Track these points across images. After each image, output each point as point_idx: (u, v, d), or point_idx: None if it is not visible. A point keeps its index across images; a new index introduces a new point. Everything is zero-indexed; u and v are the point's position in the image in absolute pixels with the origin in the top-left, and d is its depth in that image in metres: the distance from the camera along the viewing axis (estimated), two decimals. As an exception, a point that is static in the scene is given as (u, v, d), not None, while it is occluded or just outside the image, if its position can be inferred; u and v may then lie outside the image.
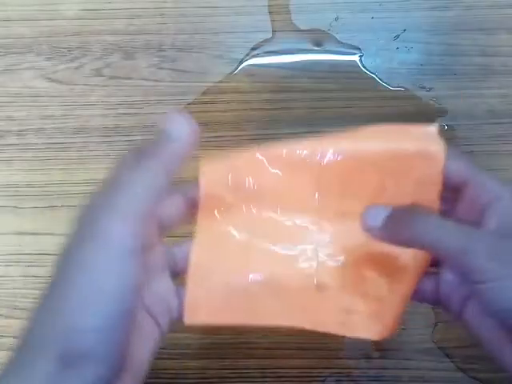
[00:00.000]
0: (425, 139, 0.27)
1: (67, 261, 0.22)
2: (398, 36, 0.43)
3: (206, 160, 0.28)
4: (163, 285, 0.27)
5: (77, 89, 0.43)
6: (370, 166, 0.27)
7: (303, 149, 0.28)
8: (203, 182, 0.27)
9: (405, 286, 0.27)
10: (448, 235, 0.24)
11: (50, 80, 0.44)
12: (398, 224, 0.25)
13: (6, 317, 0.41)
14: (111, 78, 0.44)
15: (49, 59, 0.44)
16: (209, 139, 0.42)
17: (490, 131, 0.42)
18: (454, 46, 0.43)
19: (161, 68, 0.44)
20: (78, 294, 0.21)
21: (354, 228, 0.26)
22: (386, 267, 0.28)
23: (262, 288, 0.27)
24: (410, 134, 0.28)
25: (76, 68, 0.44)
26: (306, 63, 0.43)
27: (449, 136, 0.42)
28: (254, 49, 0.43)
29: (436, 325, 0.40)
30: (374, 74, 0.43)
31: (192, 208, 0.28)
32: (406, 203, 0.26)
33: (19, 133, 0.43)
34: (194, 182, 0.28)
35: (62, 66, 0.44)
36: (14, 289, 0.41)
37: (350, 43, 0.43)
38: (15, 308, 0.41)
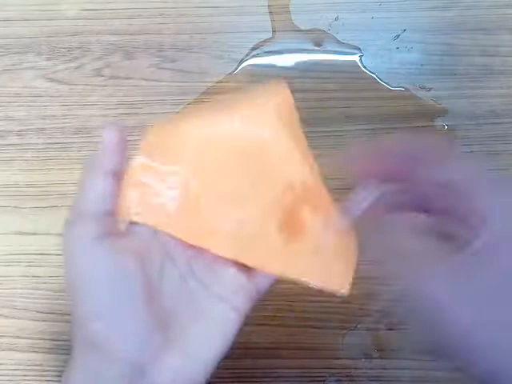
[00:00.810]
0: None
1: None
2: (398, 36, 0.43)
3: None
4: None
5: (77, 89, 0.43)
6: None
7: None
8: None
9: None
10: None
11: (50, 80, 0.44)
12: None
13: (6, 317, 0.40)
14: (111, 77, 0.44)
15: (49, 59, 0.44)
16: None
17: (490, 131, 0.42)
18: (454, 46, 0.43)
19: (161, 68, 0.44)
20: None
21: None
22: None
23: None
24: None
25: (76, 68, 0.44)
26: (306, 63, 0.43)
27: (449, 136, 0.42)
28: (253, 49, 0.43)
29: (436, 325, 0.40)
30: (374, 73, 0.43)
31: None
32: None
33: (19, 133, 0.43)
34: None
35: (62, 66, 0.44)
36: (13, 289, 0.41)
37: (350, 43, 0.43)
38: (15, 308, 0.41)
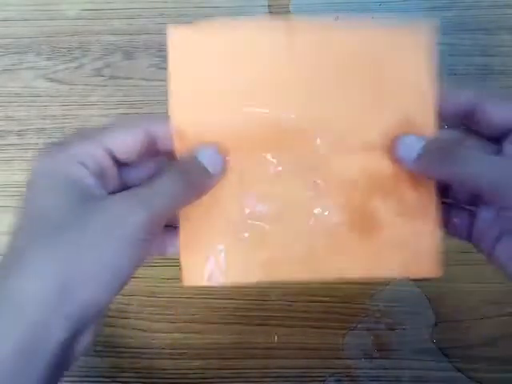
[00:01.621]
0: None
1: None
2: (398, 36, 0.43)
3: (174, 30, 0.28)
4: None
5: (77, 89, 0.43)
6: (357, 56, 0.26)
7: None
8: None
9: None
10: (490, 169, 0.23)
11: (50, 80, 0.44)
12: (435, 157, 0.24)
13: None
14: (111, 78, 0.44)
15: (49, 59, 0.44)
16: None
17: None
18: (454, 46, 0.43)
19: (161, 68, 0.44)
20: (85, 251, 0.22)
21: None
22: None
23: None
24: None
25: (76, 68, 0.44)
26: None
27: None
28: (254, 49, 0.43)
29: (436, 325, 0.40)
30: (374, 73, 0.43)
31: (151, 145, 0.27)
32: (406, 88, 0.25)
33: (19, 133, 0.43)
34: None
35: (62, 66, 0.44)
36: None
37: (350, 43, 0.43)
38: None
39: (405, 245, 0.26)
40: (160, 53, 0.44)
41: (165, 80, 0.43)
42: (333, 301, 0.40)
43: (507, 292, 0.40)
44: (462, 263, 0.40)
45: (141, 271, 0.42)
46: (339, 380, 0.40)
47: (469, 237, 0.28)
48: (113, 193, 0.24)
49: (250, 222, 0.26)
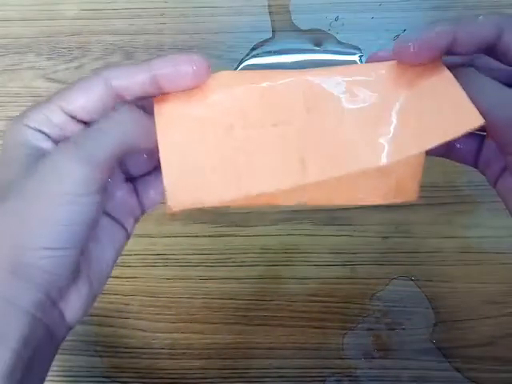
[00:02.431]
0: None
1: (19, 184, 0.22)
2: (398, 36, 0.43)
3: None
4: (121, 188, 0.27)
5: (77, 89, 0.43)
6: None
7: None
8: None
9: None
10: (505, 103, 0.22)
11: (50, 80, 0.44)
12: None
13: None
14: (111, 78, 0.43)
15: (49, 59, 0.44)
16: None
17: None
18: (454, 46, 0.43)
19: (161, 68, 0.44)
20: (28, 216, 0.21)
21: None
22: None
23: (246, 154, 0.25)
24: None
25: (76, 68, 0.44)
26: (306, 63, 0.43)
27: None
28: (253, 49, 0.43)
29: (436, 325, 0.40)
30: (374, 74, 0.43)
31: (116, 96, 0.25)
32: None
33: (19, 133, 0.43)
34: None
35: (62, 66, 0.44)
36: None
37: (350, 43, 0.43)
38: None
39: (391, 172, 0.26)
40: (160, 53, 0.44)
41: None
42: (333, 301, 0.40)
43: (507, 292, 0.40)
44: (462, 263, 0.40)
45: (141, 271, 0.42)
46: (339, 380, 0.40)
47: (475, 163, 0.27)
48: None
49: (234, 141, 0.25)
